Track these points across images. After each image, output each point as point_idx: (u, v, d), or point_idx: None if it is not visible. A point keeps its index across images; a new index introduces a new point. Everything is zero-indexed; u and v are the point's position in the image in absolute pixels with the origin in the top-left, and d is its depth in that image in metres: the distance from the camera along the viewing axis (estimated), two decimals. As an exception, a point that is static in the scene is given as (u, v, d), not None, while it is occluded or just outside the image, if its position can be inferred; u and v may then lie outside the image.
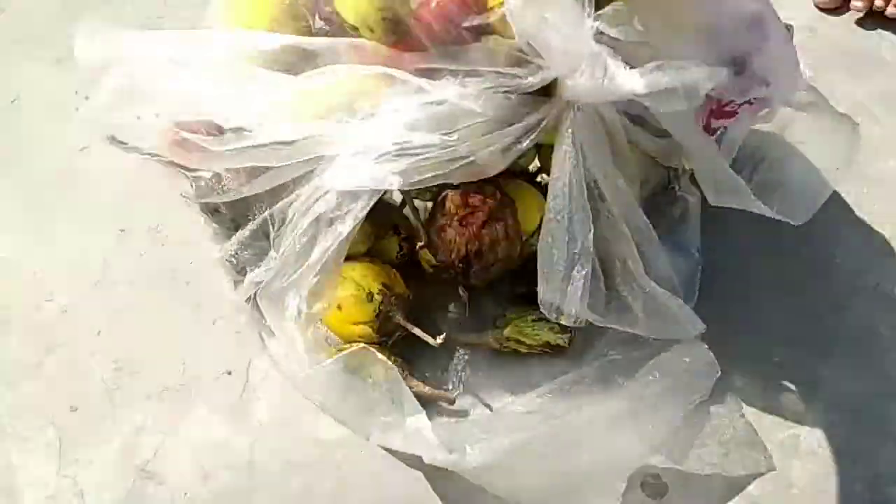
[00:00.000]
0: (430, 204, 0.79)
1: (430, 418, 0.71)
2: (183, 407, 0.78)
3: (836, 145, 0.80)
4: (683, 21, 0.67)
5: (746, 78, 0.70)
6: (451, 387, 0.77)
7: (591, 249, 0.67)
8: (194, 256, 0.89)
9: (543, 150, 0.80)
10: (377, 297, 0.73)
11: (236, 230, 0.74)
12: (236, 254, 0.73)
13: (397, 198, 0.83)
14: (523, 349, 0.79)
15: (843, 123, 0.79)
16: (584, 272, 0.67)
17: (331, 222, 0.67)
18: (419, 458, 0.71)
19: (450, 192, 0.73)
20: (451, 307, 0.83)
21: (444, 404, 0.75)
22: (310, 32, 0.71)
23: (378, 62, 0.65)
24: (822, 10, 1.14)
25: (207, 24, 0.78)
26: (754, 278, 0.86)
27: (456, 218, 0.72)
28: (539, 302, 0.69)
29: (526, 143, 0.65)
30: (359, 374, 0.70)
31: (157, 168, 0.92)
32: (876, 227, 0.91)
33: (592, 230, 0.67)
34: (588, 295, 0.67)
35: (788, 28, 0.74)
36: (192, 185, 0.77)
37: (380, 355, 0.71)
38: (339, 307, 0.73)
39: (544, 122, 0.65)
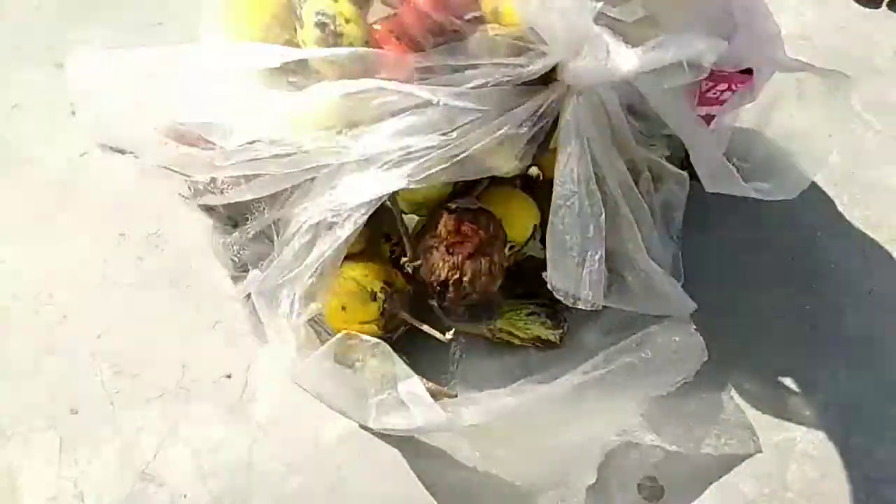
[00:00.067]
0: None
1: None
2: (182, 409, 0.78)
3: (831, 101, 0.79)
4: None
5: (735, 49, 0.70)
6: (448, 375, 0.78)
7: (603, 233, 0.67)
8: (193, 260, 0.89)
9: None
10: (380, 296, 0.74)
11: (234, 226, 0.74)
12: (238, 252, 0.73)
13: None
14: (516, 341, 0.79)
15: (833, 77, 0.78)
16: (597, 256, 0.67)
17: (330, 226, 0.67)
18: (416, 456, 0.72)
19: (445, 214, 0.73)
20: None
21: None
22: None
23: (379, 65, 0.65)
24: (858, 2, 1.15)
25: (205, 24, 0.78)
26: (751, 282, 0.87)
27: (444, 243, 0.72)
28: (551, 289, 0.69)
29: (525, 131, 0.65)
30: (348, 361, 0.70)
31: (156, 173, 0.93)
32: (871, 232, 0.92)
33: (603, 213, 0.67)
34: (603, 278, 0.68)
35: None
36: (189, 188, 0.77)
37: (364, 337, 0.71)
38: (343, 308, 0.74)
39: (542, 109, 0.65)
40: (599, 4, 0.61)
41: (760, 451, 0.75)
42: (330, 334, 0.75)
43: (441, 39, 0.65)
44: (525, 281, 0.79)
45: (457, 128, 0.64)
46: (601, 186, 0.68)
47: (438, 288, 0.73)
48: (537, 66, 0.63)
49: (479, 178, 0.71)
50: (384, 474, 0.74)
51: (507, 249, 0.76)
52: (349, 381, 0.70)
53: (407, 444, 0.76)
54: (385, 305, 0.74)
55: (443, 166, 0.64)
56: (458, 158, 0.64)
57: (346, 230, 0.67)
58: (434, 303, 0.75)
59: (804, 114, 0.82)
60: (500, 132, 0.64)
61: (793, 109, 0.83)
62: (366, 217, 0.67)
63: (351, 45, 0.66)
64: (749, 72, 0.73)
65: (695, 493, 0.74)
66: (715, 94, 0.74)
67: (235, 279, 0.77)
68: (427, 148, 0.64)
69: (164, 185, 0.92)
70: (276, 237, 0.70)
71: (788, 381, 0.80)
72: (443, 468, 0.74)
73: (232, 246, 0.74)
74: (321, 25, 0.66)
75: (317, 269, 0.68)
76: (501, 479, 0.74)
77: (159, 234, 0.92)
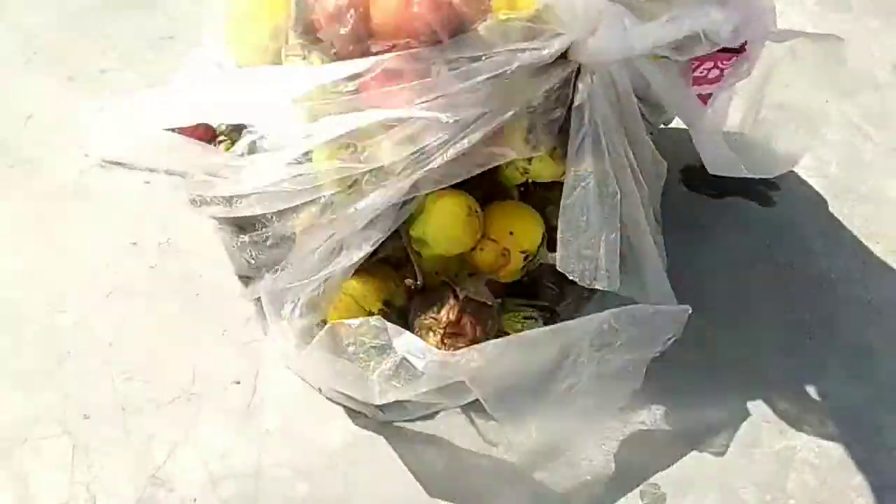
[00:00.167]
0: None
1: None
2: (192, 415, 0.79)
3: (825, 68, 0.80)
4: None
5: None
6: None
7: (618, 213, 0.67)
8: (204, 269, 0.91)
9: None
10: (378, 315, 0.74)
11: (241, 230, 0.75)
12: (253, 255, 0.74)
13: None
14: None
15: (826, 41, 0.79)
16: (613, 236, 0.67)
17: (344, 246, 0.68)
18: (424, 462, 0.73)
19: (451, 298, 0.74)
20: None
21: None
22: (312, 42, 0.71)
23: (398, 69, 0.64)
24: None
25: (208, 34, 0.79)
26: (751, 292, 0.88)
27: (443, 330, 0.73)
28: (566, 272, 0.69)
29: (538, 113, 0.64)
30: (342, 347, 0.71)
31: (167, 183, 0.95)
32: (869, 243, 0.93)
33: (619, 193, 0.67)
34: (618, 259, 0.68)
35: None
36: (195, 200, 0.78)
37: (348, 321, 0.71)
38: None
39: (553, 91, 0.64)
40: None
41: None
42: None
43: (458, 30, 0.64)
44: (523, 284, 0.80)
45: (464, 120, 0.63)
46: (614, 164, 0.67)
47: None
48: (553, 48, 0.62)
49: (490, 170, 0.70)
50: (392, 480, 0.75)
51: (522, 260, 0.77)
52: (346, 366, 0.71)
53: (414, 449, 0.77)
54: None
55: (453, 159, 0.63)
56: (468, 147, 0.63)
57: (359, 253, 0.67)
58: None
59: (799, 83, 0.82)
60: (508, 115, 0.63)
61: (787, 80, 0.82)
62: (379, 243, 0.68)
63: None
64: (733, 50, 0.74)
65: (696, 500, 0.74)
66: (702, 72, 0.75)
67: (247, 280, 0.77)
68: (438, 146, 0.63)
69: (175, 195, 0.95)
70: (292, 244, 0.71)
71: (787, 390, 0.81)
72: (452, 473, 0.76)
73: (247, 248, 0.75)
74: None
75: (322, 284, 0.69)
76: (511, 482, 0.75)
77: (170, 243, 0.94)
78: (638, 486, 0.75)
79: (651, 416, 0.79)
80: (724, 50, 0.73)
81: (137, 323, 0.87)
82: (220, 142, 0.79)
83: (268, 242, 0.72)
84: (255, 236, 0.73)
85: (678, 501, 0.74)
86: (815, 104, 0.82)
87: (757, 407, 0.80)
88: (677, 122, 1.01)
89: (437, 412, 0.78)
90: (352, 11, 0.65)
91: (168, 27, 1.19)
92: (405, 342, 0.69)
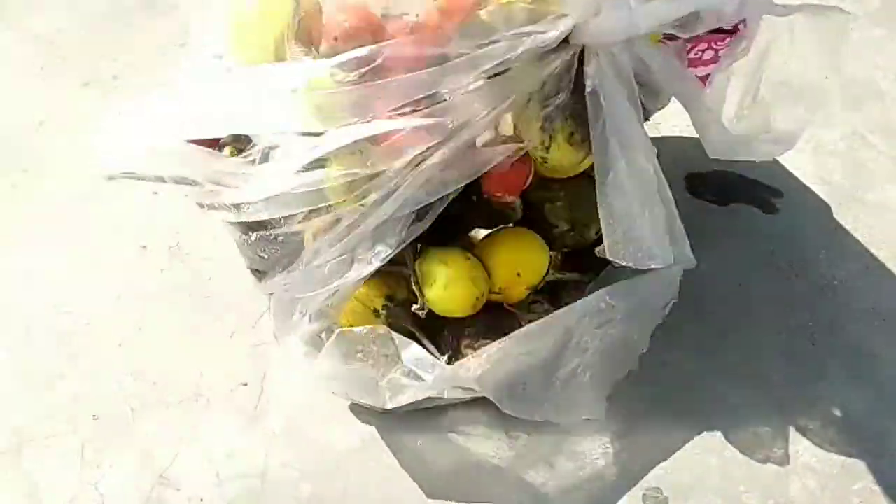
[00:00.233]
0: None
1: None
2: (200, 416, 0.81)
3: (826, 42, 0.77)
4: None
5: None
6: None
7: (656, 188, 0.66)
8: (213, 272, 0.92)
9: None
10: (382, 312, 0.76)
11: (249, 227, 0.76)
12: (264, 251, 0.74)
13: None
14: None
15: (829, 14, 0.77)
16: (655, 213, 0.66)
17: (354, 261, 0.68)
18: (429, 465, 0.74)
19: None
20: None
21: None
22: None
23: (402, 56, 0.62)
24: None
25: (211, 42, 0.80)
26: (754, 298, 0.89)
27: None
28: (616, 259, 0.68)
29: (545, 94, 0.63)
30: (353, 355, 0.72)
31: (177, 188, 0.96)
32: (873, 250, 0.94)
33: (653, 168, 0.66)
34: (666, 234, 0.67)
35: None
36: (201, 205, 0.79)
37: (356, 329, 0.72)
38: (350, 326, 0.76)
39: (556, 72, 0.63)
40: None
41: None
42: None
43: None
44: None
45: (472, 114, 0.62)
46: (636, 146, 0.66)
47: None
48: (558, 31, 0.60)
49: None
50: (397, 481, 0.76)
51: (526, 291, 0.77)
52: (357, 373, 0.72)
53: (419, 451, 0.78)
54: (389, 320, 0.76)
55: (464, 155, 0.63)
56: (478, 142, 0.62)
57: (369, 268, 0.67)
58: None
59: (798, 60, 0.81)
60: (516, 103, 0.62)
61: (786, 57, 0.80)
62: (388, 259, 0.67)
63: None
64: (727, 31, 0.73)
65: (699, 504, 0.75)
66: (697, 54, 0.74)
67: (259, 274, 0.78)
68: (438, 144, 0.62)
69: (184, 200, 0.96)
70: (302, 241, 0.71)
71: (790, 395, 0.81)
72: (456, 475, 0.76)
73: (257, 245, 0.75)
74: None
75: (332, 295, 0.70)
76: (515, 484, 0.76)
77: (179, 247, 0.95)
78: (640, 490, 0.75)
79: (652, 421, 0.79)
80: (719, 31, 0.72)
81: (147, 325, 0.88)
82: (223, 146, 0.79)
83: (278, 240, 0.72)
84: (264, 235, 0.73)
85: (681, 505, 0.75)
86: (814, 81, 0.81)
87: (759, 412, 0.80)
88: (681, 131, 1.03)
89: (446, 406, 0.79)
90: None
91: (180, 34, 1.20)
92: (412, 354, 0.70)
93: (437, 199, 0.65)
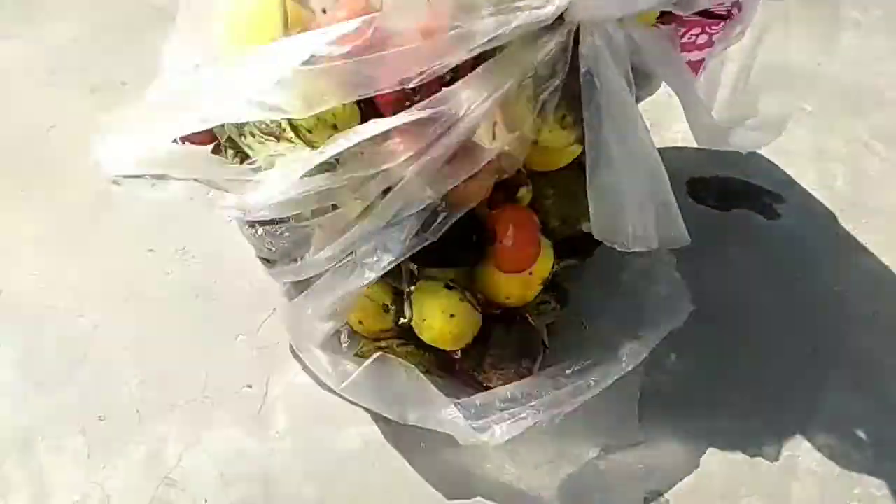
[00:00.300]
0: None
1: (456, 395, 0.73)
2: (205, 418, 0.81)
3: (820, 27, 0.78)
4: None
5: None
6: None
7: (646, 169, 0.66)
8: (218, 276, 0.93)
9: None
10: (392, 307, 0.77)
11: (254, 222, 0.76)
12: (272, 243, 0.75)
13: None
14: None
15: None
16: (643, 196, 0.66)
17: (361, 266, 0.68)
18: (432, 467, 0.75)
19: (494, 357, 0.76)
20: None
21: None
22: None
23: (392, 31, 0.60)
24: None
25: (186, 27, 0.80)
26: (755, 303, 0.89)
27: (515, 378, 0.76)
28: (603, 240, 0.68)
29: (539, 76, 0.62)
30: (385, 377, 0.72)
31: (184, 192, 0.97)
32: (875, 257, 0.94)
33: (644, 150, 0.65)
34: (653, 217, 0.67)
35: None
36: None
37: (395, 359, 0.73)
38: (360, 322, 0.77)
39: (550, 54, 0.62)
40: None
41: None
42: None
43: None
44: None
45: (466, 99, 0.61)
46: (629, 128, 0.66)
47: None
48: (553, 7, 0.59)
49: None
50: (400, 484, 0.77)
51: (539, 287, 0.78)
52: (388, 394, 0.73)
53: (423, 454, 0.78)
54: (398, 316, 0.76)
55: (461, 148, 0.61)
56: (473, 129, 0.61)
57: (375, 272, 0.67)
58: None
59: (792, 44, 0.80)
60: (505, 88, 0.61)
61: (780, 43, 0.80)
62: (395, 264, 0.67)
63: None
64: (720, 16, 0.73)
65: (701, 509, 0.76)
66: (690, 38, 0.74)
67: (267, 263, 0.78)
68: (444, 132, 0.61)
69: (191, 204, 0.97)
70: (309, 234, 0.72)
71: (791, 401, 0.82)
72: (460, 479, 0.77)
73: (264, 238, 0.75)
74: None
75: (339, 298, 0.70)
76: (517, 489, 0.76)
77: (186, 250, 0.96)
78: (642, 493, 0.76)
79: (653, 425, 0.80)
80: (712, 15, 0.72)
81: (153, 328, 0.89)
82: (219, 146, 0.79)
83: (284, 235, 0.73)
84: (269, 229, 0.73)
85: (682, 509, 0.75)
86: (807, 67, 0.81)
87: (761, 417, 0.81)
88: (683, 141, 1.04)
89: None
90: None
91: (187, 41, 1.22)
92: (447, 415, 0.71)
93: (443, 212, 0.66)
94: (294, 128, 0.65)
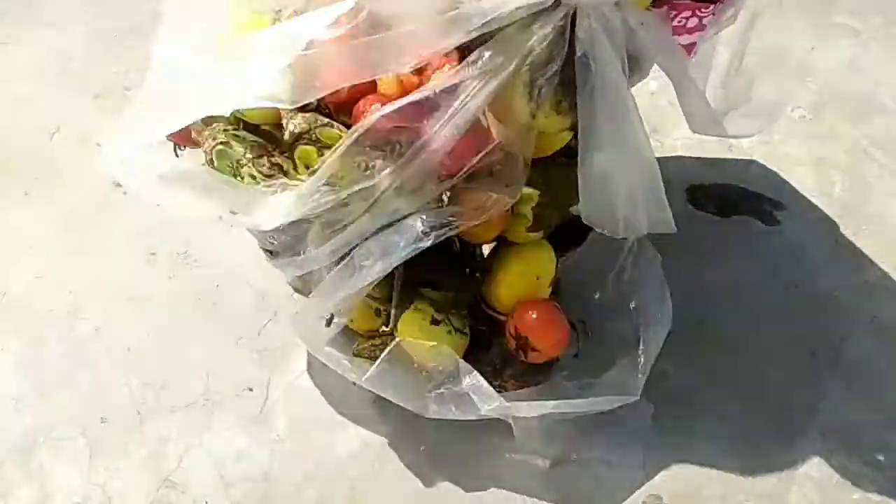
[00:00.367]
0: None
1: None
2: (206, 420, 0.82)
3: (812, 11, 0.77)
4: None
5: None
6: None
7: (637, 157, 0.65)
8: (220, 279, 0.93)
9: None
10: (384, 312, 0.77)
11: None
12: (274, 237, 0.75)
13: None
14: None
15: None
16: (633, 184, 0.66)
17: (362, 268, 0.68)
18: (432, 468, 0.75)
19: (513, 367, 0.76)
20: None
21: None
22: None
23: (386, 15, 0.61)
24: None
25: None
26: (754, 309, 0.90)
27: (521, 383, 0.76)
28: (591, 225, 0.68)
29: (536, 61, 0.62)
30: (403, 365, 0.72)
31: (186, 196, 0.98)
32: (873, 263, 0.94)
33: (636, 137, 0.65)
34: (641, 204, 0.66)
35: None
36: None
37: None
38: (351, 321, 0.77)
39: (547, 39, 0.61)
40: None
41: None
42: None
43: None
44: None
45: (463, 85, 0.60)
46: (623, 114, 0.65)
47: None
48: None
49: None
50: (400, 486, 0.77)
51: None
52: (405, 379, 0.72)
53: (422, 455, 0.79)
54: (388, 320, 0.76)
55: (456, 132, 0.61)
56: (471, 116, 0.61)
57: (376, 272, 0.67)
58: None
59: (784, 30, 0.80)
60: (503, 75, 0.60)
61: (772, 27, 0.80)
62: (397, 265, 0.67)
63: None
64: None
65: (699, 513, 0.76)
66: (681, 21, 0.73)
67: (269, 254, 0.78)
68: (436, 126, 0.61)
69: (193, 209, 0.97)
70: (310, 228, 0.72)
71: (790, 406, 0.82)
72: (458, 480, 0.77)
73: (267, 232, 0.76)
74: None
75: (341, 300, 0.70)
76: (518, 492, 0.76)
77: (188, 254, 0.97)
78: (640, 497, 0.76)
79: (653, 430, 0.80)
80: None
81: (155, 330, 0.89)
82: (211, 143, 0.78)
83: (287, 230, 0.73)
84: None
85: (680, 513, 0.75)
86: (799, 52, 0.80)
87: (759, 422, 0.81)
88: (682, 148, 1.04)
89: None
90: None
91: (191, 46, 1.23)
92: (472, 382, 0.70)
93: (445, 221, 0.66)
94: (286, 173, 0.67)
